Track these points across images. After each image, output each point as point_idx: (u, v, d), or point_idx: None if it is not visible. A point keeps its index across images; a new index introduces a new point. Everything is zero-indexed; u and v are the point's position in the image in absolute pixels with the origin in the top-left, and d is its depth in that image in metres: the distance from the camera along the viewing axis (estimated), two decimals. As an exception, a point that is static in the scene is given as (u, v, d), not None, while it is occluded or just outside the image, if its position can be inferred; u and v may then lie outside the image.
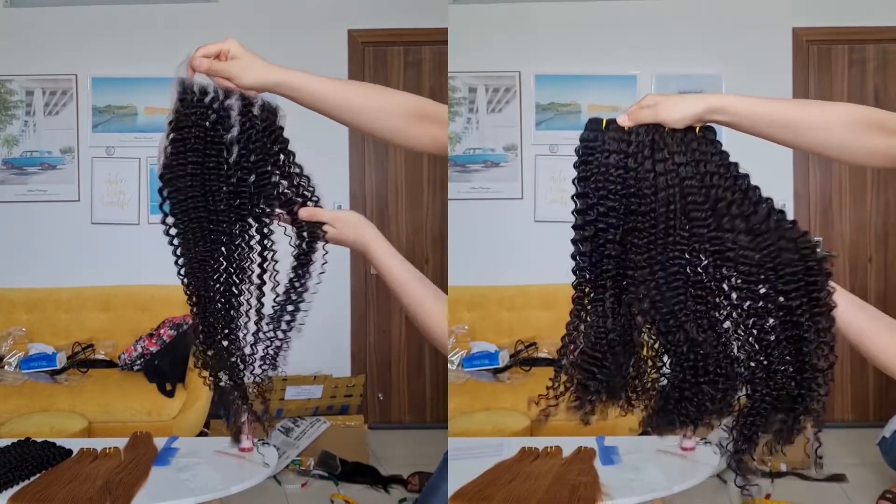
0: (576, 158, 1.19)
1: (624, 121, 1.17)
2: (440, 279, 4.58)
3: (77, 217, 4.50)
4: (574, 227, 1.20)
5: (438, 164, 4.59)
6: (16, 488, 2.54)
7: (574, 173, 1.19)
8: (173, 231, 1.28)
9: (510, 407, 3.89)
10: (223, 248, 1.29)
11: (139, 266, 4.31)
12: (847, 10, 4.42)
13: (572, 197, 1.20)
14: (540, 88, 4.56)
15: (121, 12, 4.47)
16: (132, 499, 2.49)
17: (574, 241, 1.20)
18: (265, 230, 1.31)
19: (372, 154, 4.64)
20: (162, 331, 4.16)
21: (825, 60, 4.49)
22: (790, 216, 1.16)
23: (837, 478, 3.68)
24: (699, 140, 1.16)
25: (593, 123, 1.18)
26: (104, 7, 4.46)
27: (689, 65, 4.40)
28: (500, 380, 4.09)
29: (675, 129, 1.16)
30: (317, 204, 1.33)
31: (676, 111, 1.14)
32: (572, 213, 1.20)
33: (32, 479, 2.62)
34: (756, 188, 1.17)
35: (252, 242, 1.31)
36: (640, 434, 3.15)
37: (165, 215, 1.28)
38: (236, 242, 1.30)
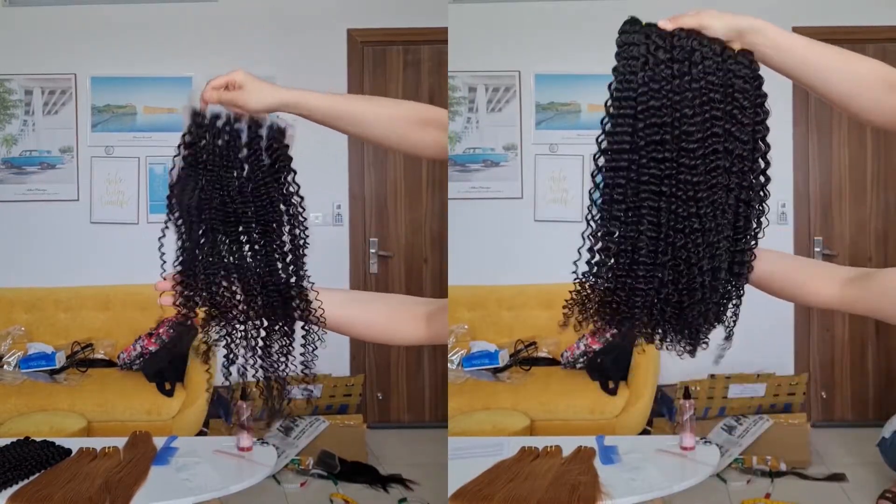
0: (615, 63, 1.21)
1: (665, 24, 1.18)
2: (440, 279, 4.58)
3: (76, 216, 4.49)
4: (609, 132, 1.21)
5: (438, 164, 4.58)
6: (15, 487, 2.54)
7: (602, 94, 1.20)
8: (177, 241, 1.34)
9: (510, 406, 3.89)
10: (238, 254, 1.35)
11: (138, 265, 4.25)
12: (847, 10, 4.41)
13: (608, 110, 1.22)
14: (540, 88, 4.55)
15: (120, 12, 4.47)
16: (131, 498, 2.49)
17: (607, 152, 1.21)
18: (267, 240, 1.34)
19: (371, 154, 4.63)
20: (161, 330, 4.15)
21: (825, 60, 4.48)
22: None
23: (837, 477, 3.68)
24: (736, 58, 1.15)
25: (632, 24, 1.20)
26: (103, 7, 4.46)
27: (689, 64, 4.39)
28: (499, 379, 4.09)
29: (715, 42, 1.15)
30: (303, 223, 1.34)
31: (722, 18, 1.15)
32: (607, 112, 1.22)
33: (32, 478, 2.62)
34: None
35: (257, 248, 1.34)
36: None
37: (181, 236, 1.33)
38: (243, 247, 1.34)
